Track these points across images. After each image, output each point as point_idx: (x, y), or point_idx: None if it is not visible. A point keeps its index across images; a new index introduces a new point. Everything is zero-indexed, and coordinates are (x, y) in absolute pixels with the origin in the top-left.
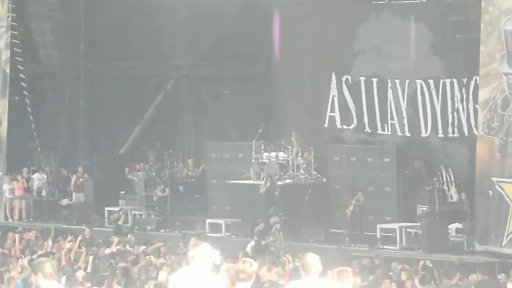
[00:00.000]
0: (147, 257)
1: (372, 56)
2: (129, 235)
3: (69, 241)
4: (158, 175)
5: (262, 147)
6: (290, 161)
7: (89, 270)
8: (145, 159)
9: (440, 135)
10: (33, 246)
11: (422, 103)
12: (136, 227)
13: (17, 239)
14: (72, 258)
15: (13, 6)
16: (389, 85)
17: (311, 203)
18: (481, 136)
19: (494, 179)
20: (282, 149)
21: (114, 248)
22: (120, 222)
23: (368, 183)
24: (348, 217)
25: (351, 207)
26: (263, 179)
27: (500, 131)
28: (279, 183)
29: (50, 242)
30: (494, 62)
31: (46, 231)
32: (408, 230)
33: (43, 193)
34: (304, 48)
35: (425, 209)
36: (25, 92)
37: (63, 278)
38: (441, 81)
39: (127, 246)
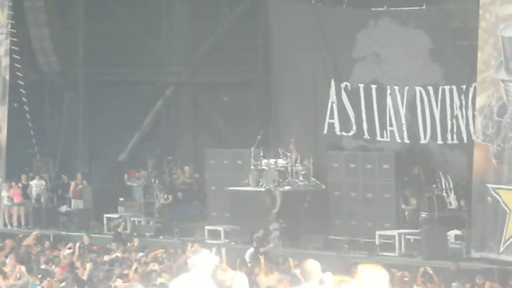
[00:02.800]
0: (151, 264)
1: (371, 63)
2: (135, 240)
3: (69, 248)
4: (162, 182)
5: (261, 154)
6: (289, 168)
7: (84, 277)
8: (144, 166)
9: (439, 142)
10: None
11: (421, 109)
12: (135, 233)
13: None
14: (77, 264)
15: (13, 13)
16: (388, 91)
17: (310, 210)
18: (477, 143)
19: (490, 185)
20: (281, 156)
21: (113, 255)
22: (120, 229)
23: (367, 189)
24: (407, 218)
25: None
26: (262, 185)
27: (497, 138)
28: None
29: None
30: (490, 69)
31: (45, 237)
32: (407, 236)
33: (42, 200)
34: (303, 55)
35: (424, 215)
36: (24, 99)
37: (62, 285)
38: (440, 87)
39: (127, 253)
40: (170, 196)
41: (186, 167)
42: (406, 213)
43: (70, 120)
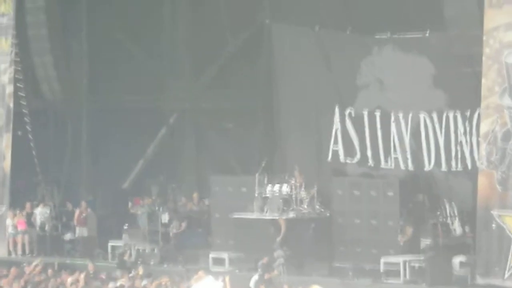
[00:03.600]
0: None
1: (375, 89)
2: (139, 268)
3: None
4: (174, 211)
5: (266, 181)
6: (293, 195)
7: None
8: (149, 193)
9: (444, 168)
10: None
11: (426, 136)
12: (139, 261)
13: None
14: None
15: (16, 41)
16: (392, 118)
17: (315, 237)
18: (481, 169)
19: (495, 212)
20: (285, 183)
21: (118, 283)
22: (126, 257)
23: (372, 216)
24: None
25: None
26: (266, 213)
27: (501, 164)
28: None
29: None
30: (494, 95)
31: (49, 265)
32: (412, 264)
33: (46, 228)
34: (307, 81)
35: (428, 242)
36: (28, 127)
37: None
38: (444, 114)
39: (131, 281)
40: (183, 224)
41: (194, 195)
42: (401, 244)
43: (74, 148)
